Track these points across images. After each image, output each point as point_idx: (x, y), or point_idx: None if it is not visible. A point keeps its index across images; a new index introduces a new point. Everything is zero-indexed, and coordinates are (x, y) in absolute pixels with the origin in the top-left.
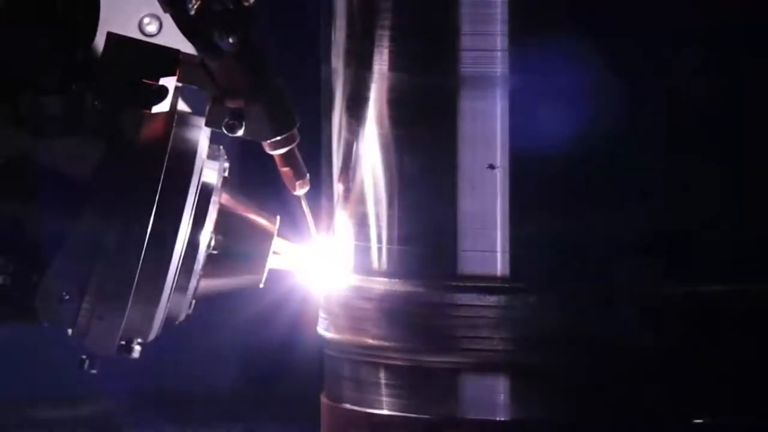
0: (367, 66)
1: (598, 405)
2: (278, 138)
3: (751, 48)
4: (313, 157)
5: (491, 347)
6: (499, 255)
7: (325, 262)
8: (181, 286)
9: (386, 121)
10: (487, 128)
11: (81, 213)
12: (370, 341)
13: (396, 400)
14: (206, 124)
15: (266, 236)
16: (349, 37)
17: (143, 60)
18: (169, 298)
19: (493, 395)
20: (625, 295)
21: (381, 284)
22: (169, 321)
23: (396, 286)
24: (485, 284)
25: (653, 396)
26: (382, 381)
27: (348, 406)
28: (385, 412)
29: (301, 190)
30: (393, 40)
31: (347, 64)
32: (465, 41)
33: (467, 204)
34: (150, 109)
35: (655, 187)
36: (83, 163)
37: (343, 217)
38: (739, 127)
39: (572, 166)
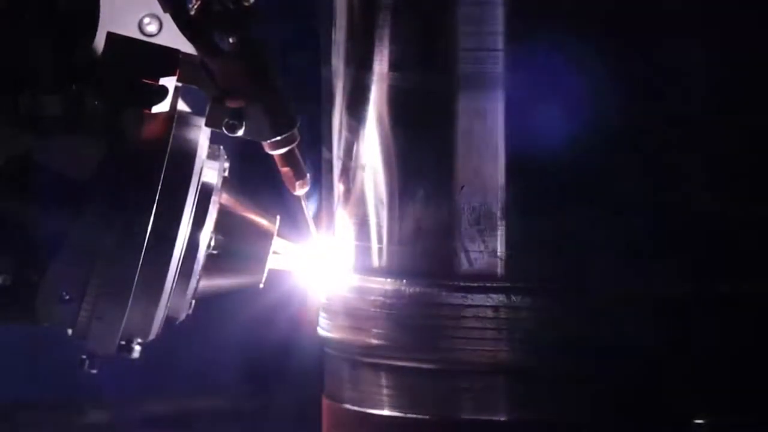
0: (367, 66)
1: (598, 405)
2: (278, 138)
3: (751, 50)
4: (313, 157)
5: (491, 347)
6: (498, 255)
7: (325, 262)
8: (181, 286)
9: (386, 121)
10: (486, 127)
11: (81, 213)
12: (370, 341)
13: (396, 400)
14: (206, 124)
15: (266, 236)
16: (349, 37)
17: (143, 60)
18: (169, 298)
19: (492, 395)
20: (624, 296)
21: (381, 284)
22: (169, 321)
23: (396, 286)
24: (485, 284)
25: (653, 396)
26: (382, 381)
27: (348, 406)
28: (385, 412)
29: (301, 190)
30: (393, 40)
31: (347, 64)
32: (464, 41)
33: (467, 204)
34: (150, 109)
35: (655, 187)
36: (83, 163)
37: (343, 217)
38: (739, 126)
39: (571, 165)
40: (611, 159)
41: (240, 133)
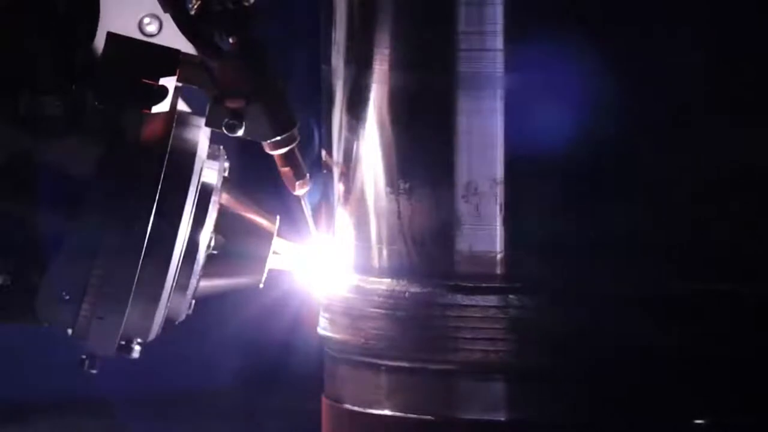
0: (367, 65)
1: (598, 405)
2: (278, 138)
3: (750, 49)
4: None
5: (491, 347)
6: (498, 255)
7: (325, 262)
8: (181, 286)
9: (386, 121)
10: (485, 127)
11: (81, 213)
12: (370, 341)
13: (396, 400)
14: (206, 124)
15: (266, 236)
16: (349, 36)
17: (143, 60)
18: (169, 298)
19: (492, 395)
20: (624, 295)
21: (381, 284)
22: (168, 321)
23: (396, 286)
24: (485, 284)
25: (653, 396)
26: (382, 381)
27: (348, 406)
28: (385, 412)
29: (301, 190)
30: (393, 39)
31: (347, 63)
32: (463, 41)
33: (467, 204)
34: (150, 109)
35: (654, 186)
36: (83, 163)
37: (343, 217)
38: (739, 126)
39: (570, 165)
40: (610, 159)
41: (240, 133)
